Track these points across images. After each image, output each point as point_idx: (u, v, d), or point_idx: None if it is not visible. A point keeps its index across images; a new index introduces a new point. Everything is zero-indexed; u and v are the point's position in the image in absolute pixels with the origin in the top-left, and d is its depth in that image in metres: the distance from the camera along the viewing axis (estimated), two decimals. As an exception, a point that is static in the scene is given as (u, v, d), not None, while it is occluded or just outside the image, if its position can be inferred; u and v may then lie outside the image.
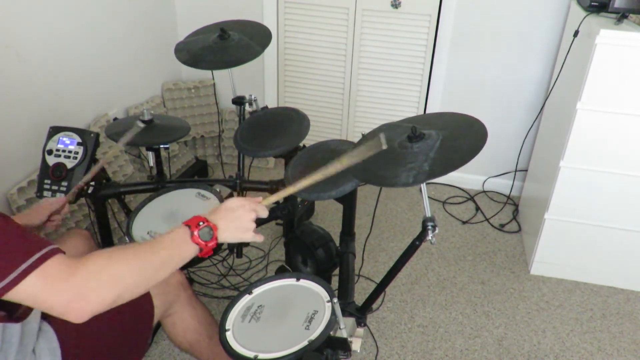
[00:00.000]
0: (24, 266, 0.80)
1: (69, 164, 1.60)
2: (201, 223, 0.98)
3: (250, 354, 1.04)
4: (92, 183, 1.67)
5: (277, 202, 1.96)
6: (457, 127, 1.21)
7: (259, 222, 1.10)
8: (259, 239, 1.06)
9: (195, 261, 1.65)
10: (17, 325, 1.05)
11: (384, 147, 1.04)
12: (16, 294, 0.81)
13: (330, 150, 1.57)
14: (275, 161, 3.14)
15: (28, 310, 0.99)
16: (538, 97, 2.68)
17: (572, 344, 1.99)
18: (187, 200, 1.59)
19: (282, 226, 2.37)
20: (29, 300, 0.82)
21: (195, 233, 0.97)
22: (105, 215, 1.88)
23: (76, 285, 0.83)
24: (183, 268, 1.59)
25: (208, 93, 2.97)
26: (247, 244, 1.88)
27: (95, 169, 1.57)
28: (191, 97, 2.94)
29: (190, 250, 0.97)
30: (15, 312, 0.97)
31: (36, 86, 1.98)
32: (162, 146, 1.82)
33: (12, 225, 0.85)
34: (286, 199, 1.90)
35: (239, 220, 1.03)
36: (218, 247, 1.66)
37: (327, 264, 1.76)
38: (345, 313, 1.30)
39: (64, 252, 0.86)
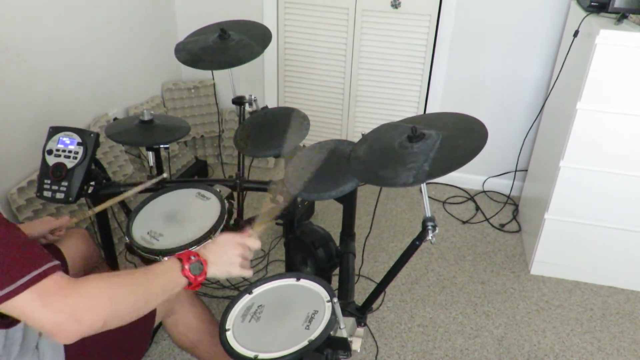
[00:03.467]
0: (21, 281, 0.80)
1: (69, 163, 1.59)
2: (193, 257, 1.02)
3: (250, 354, 1.04)
4: (92, 183, 1.67)
5: (277, 200, 1.96)
6: (457, 127, 1.21)
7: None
8: (247, 274, 1.11)
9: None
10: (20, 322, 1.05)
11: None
12: (8, 308, 0.80)
13: (330, 150, 1.57)
14: (275, 161, 3.14)
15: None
16: (538, 97, 2.68)
17: (572, 344, 1.99)
18: (187, 200, 1.59)
19: (282, 226, 2.37)
20: (20, 315, 0.82)
21: (186, 267, 1.00)
22: (105, 215, 1.88)
23: (69, 308, 0.83)
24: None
25: (208, 93, 2.97)
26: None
27: (107, 204, 1.57)
28: (191, 97, 2.94)
29: (180, 283, 1.00)
30: (8, 317, 0.96)
31: (36, 86, 1.98)
32: (162, 146, 1.82)
33: (15, 234, 0.85)
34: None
35: (226, 255, 1.08)
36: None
37: (327, 263, 1.76)
38: (345, 313, 1.30)
39: (64, 269, 0.87)
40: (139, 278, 0.95)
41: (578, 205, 2.14)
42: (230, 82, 1.93)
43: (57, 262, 0.85)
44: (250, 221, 1.20)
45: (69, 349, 1.13)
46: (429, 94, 2.83)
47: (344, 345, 1.13)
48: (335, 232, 1.86)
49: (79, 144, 1.61)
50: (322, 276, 1.35)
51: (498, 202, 2.88)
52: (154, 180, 1.68)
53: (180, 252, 1.03)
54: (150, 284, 0.96)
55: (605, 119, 1.95)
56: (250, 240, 1.13)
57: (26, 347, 1.07)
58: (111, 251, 1.93)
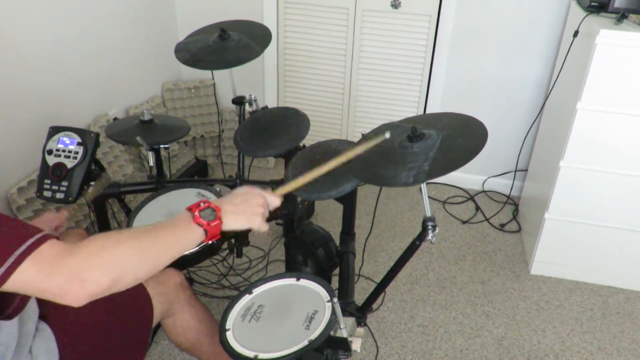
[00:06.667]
0: (18, 252, 0.78)
1: (69, 163, 1.59)
2: (202, 204, 0.95)
3: (250, 354, 1.04)
4: (92, 183, 1.67)
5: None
6: (457, 127, 1.21)
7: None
8: (264, 228, 1.02)
9: (195, 260, 1.65)
10: (14, 326, 1.04)
11: (387, 136, 1.09)
12: (12, 283, 0.79)
13: (330, 150, 1.57)
14: (275, 161, 3.14)
15: (19, 307, 0.98)
16: (538, 97, 2.68)
17: (572, 344, 1.99)
18: (187, 200, 1.59)
19: (282, 226, 2.37)
20: (25, 287, 0.80)
21: (197, 213, 0.93)
22: (105, 215, 1.88)
23: (71, 265, 0.80)
24: (182, 268, 1.59)
25: (208, 93, 2.98)
26: (247, 244, 1.88)
27: (101, 183, 1.58)
28: (191, 97, 2.94)
29: (193, 233, 0.93)
30: (6, 310, 0.96)
31: (36, 86, 1.98)
32: (162, 146, 1.82)
33: (2, 215, 0.84)
34: (286, 198, 1.90)
35: (245, 203, 1.00)
36: (218, 247, 1.67)
37: (327, 263, 1.76)
38: (346, 313, 1.31)
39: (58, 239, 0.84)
40: (146, 232, 0.89)
41: (578, 205, 2.14)
42: (230, 82, 1.93)
43: (48, 232, 0.83)
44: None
45: (63, 352, 1.12)
46: (429, 94, 2.83)
47: (344, 345, 1.13)
48: (335, 232, 1.85)
49: (79, 143, 1.61)
50: (322, 276, 1.35)
51: (498, 202, 2.88)
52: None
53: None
54: (159, 236, 0.90)
55: (605, 119, 1.95)
56: (271, 196, 1.04)
57: (20, 351, 1.06)
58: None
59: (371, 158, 1.21)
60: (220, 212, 0.96)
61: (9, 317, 0.97)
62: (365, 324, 1.34)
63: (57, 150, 1.61)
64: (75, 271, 0.80)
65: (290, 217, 1.93)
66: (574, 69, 2.08)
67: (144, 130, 1.79)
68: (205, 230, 0.94)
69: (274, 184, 1.90)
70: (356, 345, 1.16)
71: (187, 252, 0.98)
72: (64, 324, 1.14)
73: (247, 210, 1.00)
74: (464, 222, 2.71)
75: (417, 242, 1.23)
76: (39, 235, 0.81)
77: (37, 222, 1.39)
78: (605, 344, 1.99)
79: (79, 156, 1.60)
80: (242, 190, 1.03)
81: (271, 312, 1.15)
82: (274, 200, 1.06)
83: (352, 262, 1.68)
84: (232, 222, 0.98)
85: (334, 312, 1.10)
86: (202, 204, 0.96)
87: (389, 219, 2.70)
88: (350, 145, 1.17)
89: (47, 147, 1.61)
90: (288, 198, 1.89)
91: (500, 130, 2.78)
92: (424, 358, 1.90)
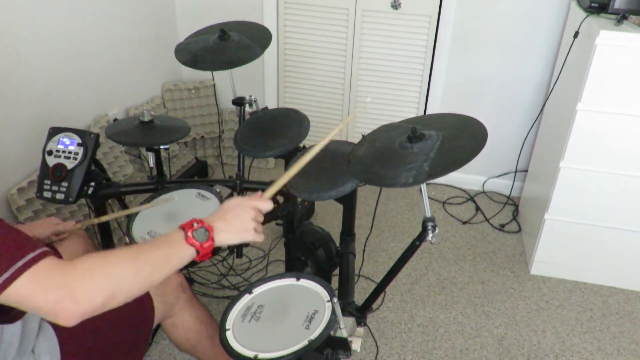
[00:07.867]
0: (16, 267, 0.78)
1: (69, 164, 1.60)
2: (195, 224, 0.96)
3: (250, 354, 1.04)
4: (92, 183, 1.68)
5: (277, 200, 1.96)
6: (457, 128, 1.21)
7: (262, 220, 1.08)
8: (259, 238, 1.04)
9: (195, 261, 1.66)
10: (17, 325, 1.05)
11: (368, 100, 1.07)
12: (7, 296, 0.79)
13: (330, 150, 1.57)
14: (275, 161, 3.14)
15: (21, 311, 0.99)
16: (538, 98, 2.68)
17: (572, 344, 1.99)
18: (187, 201, 1.59)
19: (282, 226, 2.37)
20: (19, 302, 0.81)
21: (189, 234, 0.95)
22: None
23: (65, 285, 0.80)
24: (183, 268, 1.60)
25: (208, 94, 2.98)
26: (247, 244, 1.88)
27: (114, 215, 1.59)
28: (191, 97, 2.94)
29: (185, 252, 0.95)
30: (9, 313, 0.96)
31: (36, 86, 1.98)
32: (162, 147, 1.82)
33: (3, 225, 0.84)
34: (286, 198, 1.90)
35: (237, 219, 1.01)
36: (218, 248, 1.67)
37: (327, 264, 1.76)
38: (345, 313, 1.30)
39: (56, 255, 0.85)
40: (139, 251, 0.91)
41: (578, 205, 2.14)
42: (230, 82, 1.93)
43: (48, 248, 0.84)
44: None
45: (65, 351, 1.13)
46: (429, 95, 2.83)
47: (344, 345, 1.13)
48: (335, 232, 1.86)
49: (79, 144, 1.61)
50: (322, 276, 1.35)
51: (498, 203, 2.88)
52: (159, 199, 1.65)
53: (184, 222, 0.97)
54: (152, 256, 0.91)
55: (605, 120, 1.95)
56: (262, 202, 1.05)
57: (23, 351, 1.07)
58: (111, 251, 1.93)
59: (371, 158, 1.21)
60: (213, 232, 0.98)
61: (12, 320, 0.98)
62: (365, 324, 1.34)
63: (57, 151, 1.61)
64: (69, 290, 0.81)
65: (290, 217, 1.93)
66: (574, 70, 2.08)
67: (144, 131, 1.79)
68: (197, 251, 0.96)
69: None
70: (356, 345, 1.17)
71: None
72: None
73: (240, 225, 1.01)
74: (464, 223, 2.71)
75: (417, 243, 1.23)
76: (39, 250, 0.82)
77: (40, 223, 1.40)
78: (605, 344, 1.99)
79: (79, 157, 1.60)
80: (233, 204, 1.03)
81: (271, 312, 1.15)
82: (266, 205, 1.06)
83: (352, 262, 1.68)
84: (225, 239, 1.00)
85: (333, 312, 1.10)
86: (195, 224, 0.97)
87: (389, 219, 2.70)
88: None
89: (47, 148, 1.61)
90: (288, 198, 1.89)
91: (501, 131, 2.78)
92: (424, 358, 1.90)
